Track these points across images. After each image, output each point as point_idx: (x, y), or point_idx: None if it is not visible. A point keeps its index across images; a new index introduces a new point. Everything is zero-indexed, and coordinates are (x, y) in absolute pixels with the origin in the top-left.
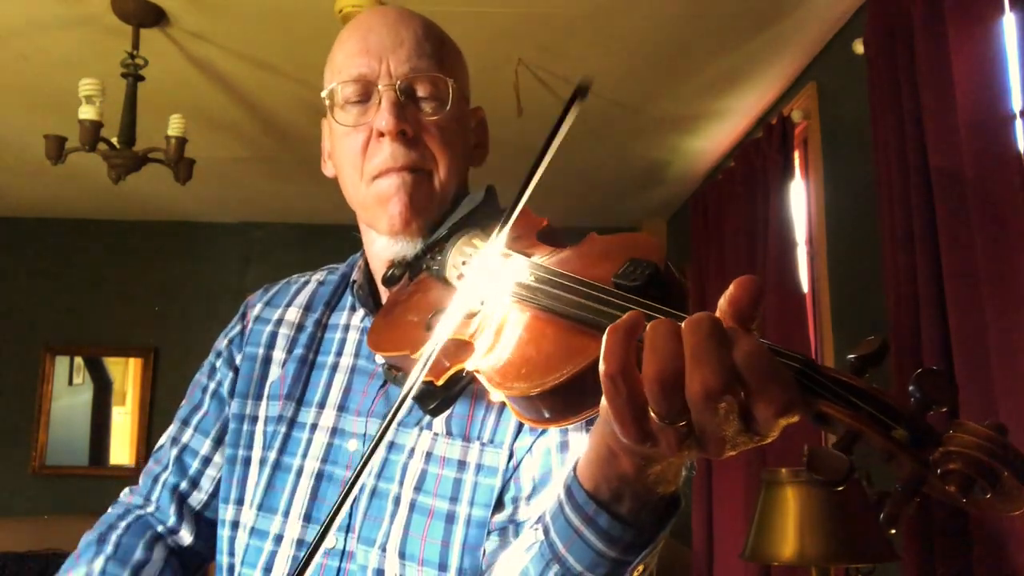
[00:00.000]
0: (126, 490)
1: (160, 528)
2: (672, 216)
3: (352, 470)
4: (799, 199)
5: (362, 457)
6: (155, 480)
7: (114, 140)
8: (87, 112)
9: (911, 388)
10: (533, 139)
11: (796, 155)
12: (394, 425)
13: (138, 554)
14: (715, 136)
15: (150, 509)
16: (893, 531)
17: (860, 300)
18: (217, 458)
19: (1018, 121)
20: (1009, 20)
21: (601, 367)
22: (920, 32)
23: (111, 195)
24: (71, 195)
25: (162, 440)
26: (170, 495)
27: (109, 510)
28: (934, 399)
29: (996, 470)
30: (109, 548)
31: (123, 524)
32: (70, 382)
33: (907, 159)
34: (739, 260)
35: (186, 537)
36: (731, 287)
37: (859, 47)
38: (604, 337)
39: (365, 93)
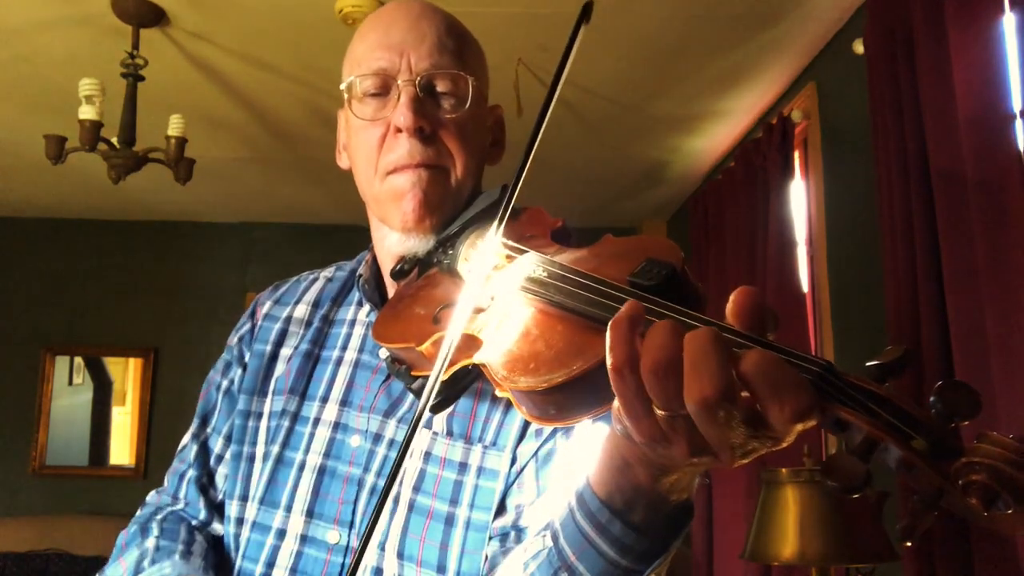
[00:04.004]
0: (152, 493)
1: (194, 522)
2: (672, 216)
3: (356, 466)
4: (799, 199)
5: (394, 463)
6: (181, 477)
7: (114, 140)
8: (87, 112)
9: (932, 399)
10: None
11: (796, 155)
12: (395, 422)
13: (183, 534)
14: (715, 136)
15: (180, 506)
16: (909, 544)
17: (860, 300)
18: (227, 456)
19: (1018, 121)
20: (1009, 20)
21: (607, 360)
22: (920, 32)
23: (111, 195)
24: (71, 195)
25: (185, 439)
26: (197, 490)
27: (139, 511)
28: (956, 412)
29: (1021, 483)
30: (155, 529)
31: (159, 517)
32: (70, 382)
33: (907, 159)
34: (739, 260)
35: (219, 528)
36: (732, 297)
37: (859, 47)
38: (608, 330)
39: (384, 87)
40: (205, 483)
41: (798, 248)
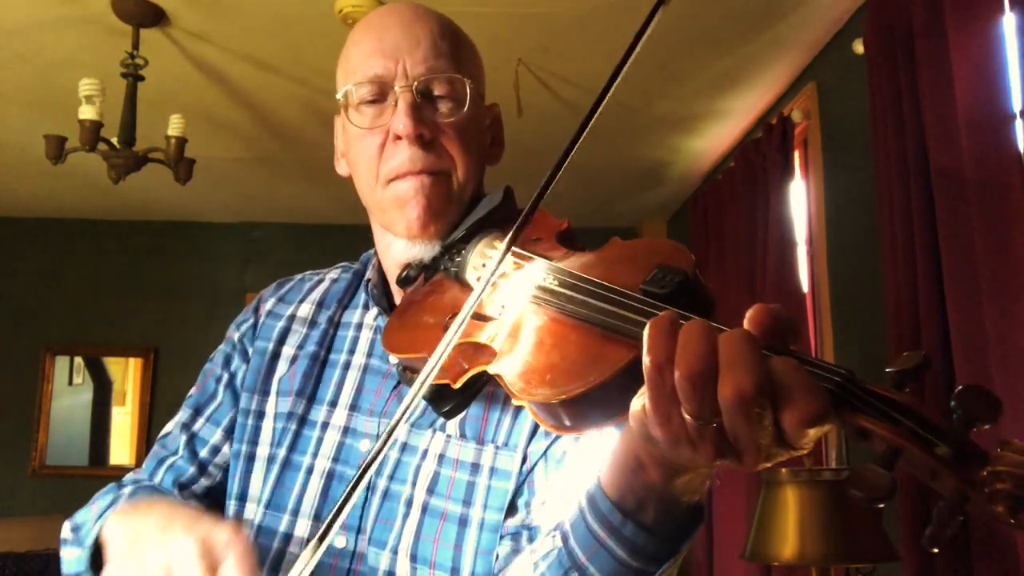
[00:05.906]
0: (129, 474)
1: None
2: (672, 216)
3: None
4: (799, 199)
5: (370, 454)
6: (160, 462)
7: (114, 140)
8: (87, 112)
9: (952, 404)
10: (534, 139)
11: (796, 155)
12: (403, 425)
13: (159, 487)
14: (715, 136)
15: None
16: (936, 551)
17: (860, 300)
18: (226, 449)
19: (1018, 121)
20: (1009, 20)
21: (645, 360)
22: (920, 32)
23: (111, 195)
24: (71, 195)
25: (169, 427)
26: (172, 479)
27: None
28: (977, 416)
29: None
30: (128, 487)
31: (133, 487)
32: (70, 382)
33: (907, 159)
34: (739, 260)
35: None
36: (748, 315)
37: (859, 47)
38: (646, 331)
39: (381, 94)
40: (188, 475)
41: (798, 248)
